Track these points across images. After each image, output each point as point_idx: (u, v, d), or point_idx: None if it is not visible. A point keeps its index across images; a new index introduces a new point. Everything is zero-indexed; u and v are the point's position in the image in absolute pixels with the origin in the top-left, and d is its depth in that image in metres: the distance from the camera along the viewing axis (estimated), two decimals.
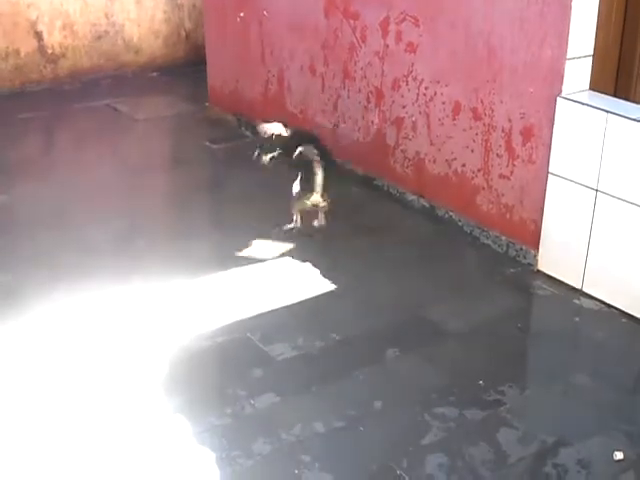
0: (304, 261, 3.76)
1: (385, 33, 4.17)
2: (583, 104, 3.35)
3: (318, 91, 4.70)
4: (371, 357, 3.12)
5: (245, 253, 3.83)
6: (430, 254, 3.90)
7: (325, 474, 2.54)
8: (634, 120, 3.18)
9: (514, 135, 3.66)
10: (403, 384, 2.99)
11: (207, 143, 5.19)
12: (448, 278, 3.70)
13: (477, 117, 3.82)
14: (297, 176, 3.84)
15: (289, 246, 3.89)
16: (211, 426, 2.74)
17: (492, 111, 3.74)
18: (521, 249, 3.77)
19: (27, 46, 5.99)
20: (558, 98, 3.42)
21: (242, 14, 5.14)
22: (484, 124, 3.79)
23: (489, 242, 3.91)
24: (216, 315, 3.35)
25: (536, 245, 3.69)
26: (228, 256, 3.80)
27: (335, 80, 4.57)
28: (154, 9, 6.47)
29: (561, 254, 3.58)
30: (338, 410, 2.81)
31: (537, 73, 3.49)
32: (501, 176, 3.78)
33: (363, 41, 4.32)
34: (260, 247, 3.89)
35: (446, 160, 4.04)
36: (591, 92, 3.47)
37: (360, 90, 4.42)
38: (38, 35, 6.01)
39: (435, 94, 4.01)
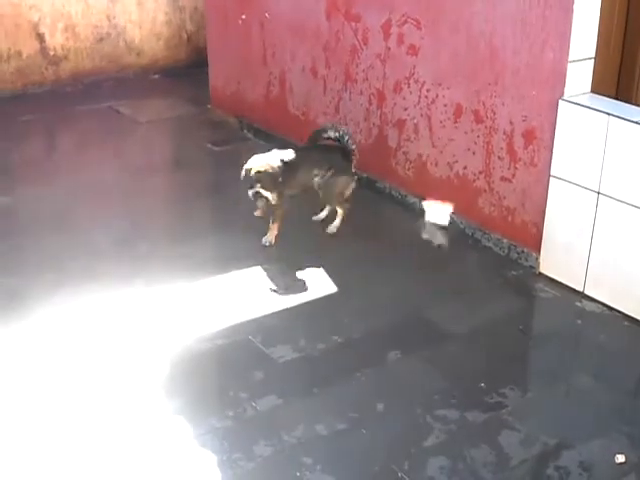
0: (305, 263, 3.77)
1: (387, 35, 4.17)
2: (585, 107, 3.35)
3: (320, 93, 4.71)
4: (373, 359, 3.12)
5: (246, 255, 3.83)
6: (432, 256, 3.91)
7: (327, 476, 2.54)
8: (636, 123, 3.18)
9: (516, 138, 3.66)
10: (405, 386, 2.99)
11: (209, 145, 5.19)
12: (450, 280, 3.70)
13: (479, 120, 3.82)
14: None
15: (290, 248, 3.90)
16: (212, 428, 2.74)
17: (494, 114, 3.73)
18: (523, 252, 3.76)
19: (29, 48, 6.00)
20: (560, 101, 3.42)
21: (244, 16, 5.14)
22: (486, 126, 3.79)
23: (490, 245, 3.91)
24: (218, 317, 3.35)
25: (538, 248, 3.68)
26: (230, 258, 3.81)
27: (337, 82, 4.57)
28: (156, 11, 6.48)
29: (563, 257, 3.58)
30: (340, 412, 2.81)
31: (539, 76, 3.49)
32: (503, 179, 3.78)
33: (365, 43, 4.32)
34: (261, 249, 3.89)
35: (448, 163, 4.04)
36: (593, 95, 3.47)
37: (362, 92, 4.42)
38: (40, 37, 6.02)
39: (437, 96, 4.01)
